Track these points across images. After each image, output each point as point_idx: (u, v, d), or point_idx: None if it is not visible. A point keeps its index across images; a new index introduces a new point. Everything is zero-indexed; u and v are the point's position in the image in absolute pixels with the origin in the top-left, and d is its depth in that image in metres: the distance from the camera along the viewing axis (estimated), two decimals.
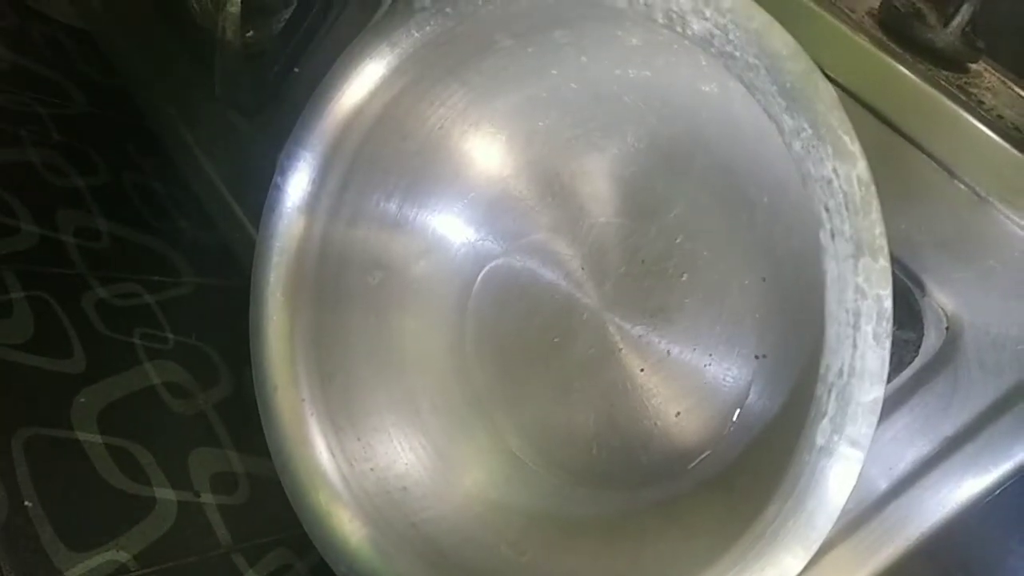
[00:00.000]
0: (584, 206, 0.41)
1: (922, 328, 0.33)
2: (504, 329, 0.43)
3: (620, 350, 0.39)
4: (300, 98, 0.41)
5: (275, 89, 0.56)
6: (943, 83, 0.34)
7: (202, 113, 0.63)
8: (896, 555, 0.33)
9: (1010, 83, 0.40)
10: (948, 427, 0.33)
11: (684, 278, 0.38)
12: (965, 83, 0.36)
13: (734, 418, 0.36)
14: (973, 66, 0.39)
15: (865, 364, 0.25)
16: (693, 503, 0.35)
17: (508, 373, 0.42)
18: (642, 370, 0.39)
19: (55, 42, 0.76)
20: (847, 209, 0.25)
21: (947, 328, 0.33)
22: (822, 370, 0.26)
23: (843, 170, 0.25)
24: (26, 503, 0.41)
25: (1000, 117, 0.34)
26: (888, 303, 0.24)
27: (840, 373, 0.25)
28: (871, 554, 0.34)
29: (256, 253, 0.41)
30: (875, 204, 0.25)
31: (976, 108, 0.33)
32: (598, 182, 0.40)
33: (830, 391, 0.25)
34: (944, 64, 0.36)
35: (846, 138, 0.25)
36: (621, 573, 0.35)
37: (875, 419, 0.25)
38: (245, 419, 0.48)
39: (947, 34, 0.36)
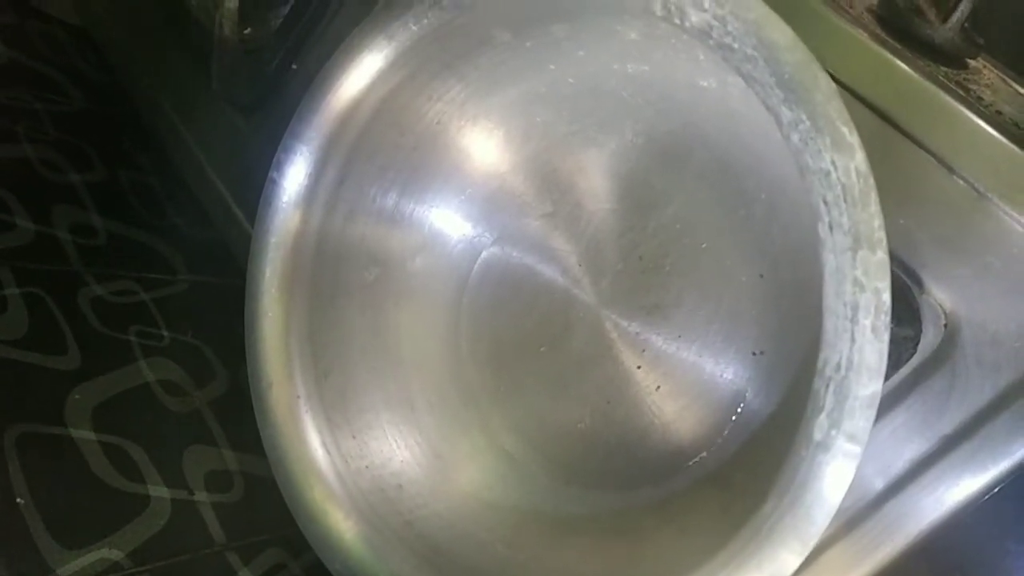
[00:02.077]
0: (582, 202, 0.41)
1: (920, 325, 0.33)
2: (500, 326, 0.42)
3: (616, 347, 0.39)
4: (298, 94, 0.41)
5: (273, 86, 0.56)
6: (942, 79, 0.34)
7: (199, 110, 0.63)
8: (893, 555, 0.33)
9: (1009, 80, 0.40)
10: (946, 425, 0.33)
11: (681, 275, 0.38)
12: (964, 79, 0.36)
13: (733, 417, 0.35)
14: (972, 62, 0.38)
15: (863, 358, 0.24)
16: (689, 501, 0.35)
17: (504, 370, 0.42)
18: (639, 367, 0.38)
19: (53, 39, 0.76)
20: (845, 201, 0.25)
21: (945, 325, 0.33)
22: (819, 364, 0.26)
23: (841, 162, 0.25)
24: (18, 500, 0.40)
25: (999, 113, 0.34)
26: (886, 296, 0.24)
27: (838, 367, 0.25)
28: (867, 554, 0.34)
29: (252, 248, 0.40)
30: (873, 196, 0.25)
31: (975, 104, 0.33)
32: (596, 178, 0.40)
33: (827, 386, 0.25)
34: (943, 60, 0.36)
35: (844, 129, 0.25)
36: (616, 571, 0.35)
37: (873, 414, 0.25)
38: (240, 417, 0.47)
39: (946, 30, 0.36)
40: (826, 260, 0.26)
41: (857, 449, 0.25)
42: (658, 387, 0.38)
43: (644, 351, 0.38)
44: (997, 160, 0.32)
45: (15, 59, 0.70)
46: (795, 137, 0.26)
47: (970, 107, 0.33)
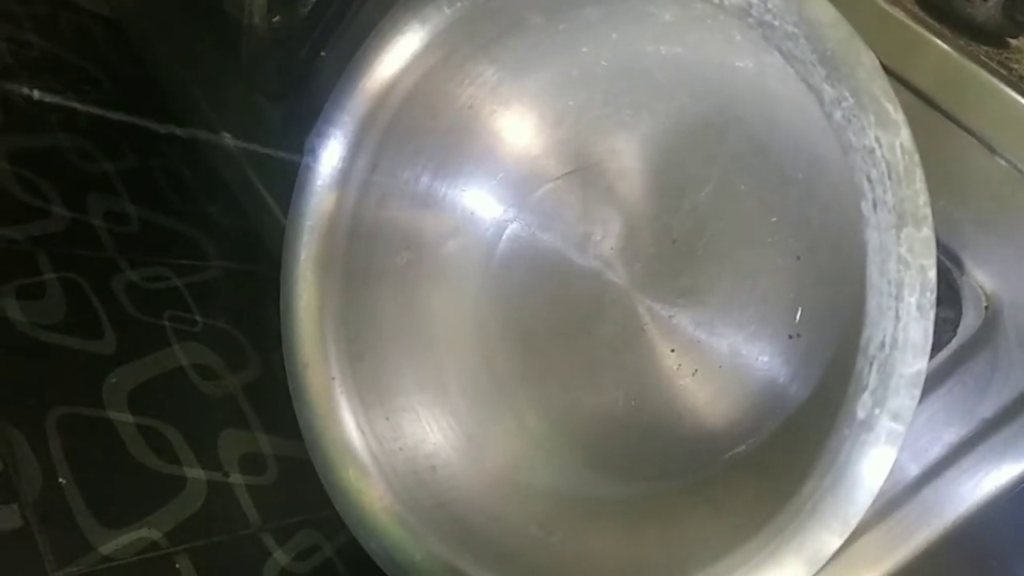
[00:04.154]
0: (614, 185, 0.40)
1: (960, 307, 0.33)
2: (532, 309, 0.42)
3: (649, 331, 0.39)
4: (327, 82, 0.41)
5: (302, 73, 0.56)
6: (983, 58, 0.33)
7: (229, 98, 0.64)
8: (929, 541, 0.33)
9: None
10: (986, 409, 0.32)
11: (715, 258, 0.37)
12: (1006, 58, 0.36)
13: (769, 400, 0.35)
14: (1013, 41, 0.38)
15: (908, 336, 0.24)
16: (723, 483, 0.35)
17: (536, 354, 0.42)
18: (672, 351, 0.38)
19: (84, 29, 0.77)
20: (890, 178, 0.25)
21: (986, 307, 0.32)
22: (863, 343, 0.25)
23: (886, 139, 0.25)
24: (60, 480, 0.41)
25: None
26: (932, 273, 0.24)
27: (882, 345, 0.25)
28: (903, 540, 0.33)
29: (286, 232, 0.41)
30: (918, 173, 0.24)
31: (1018, 83, 0.33)
32: (628, 160, 0.40)
33: (871, 364, 0.25)
34: (984, 39, 0.36)
35: (889, 106, 0.25)
36: (650, 554, 0.34)
37: (918, 392, 0.24)
38: (273, 402, 0.48)
39: (987, 8, 0.35)
40: (869, 238, 0.25)
41: (901, 428, 0.25)
42: (692, 371, 0.38)
43: (677, 335, 0.38)
44: None
45: (47, 50, 0.71)
46: (838, 115, 0.26)
47: (1013, 86, 0.32)
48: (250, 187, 0.60)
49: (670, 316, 0.39)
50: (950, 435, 0.33)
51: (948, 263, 0.33)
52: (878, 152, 0.25)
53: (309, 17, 0.56)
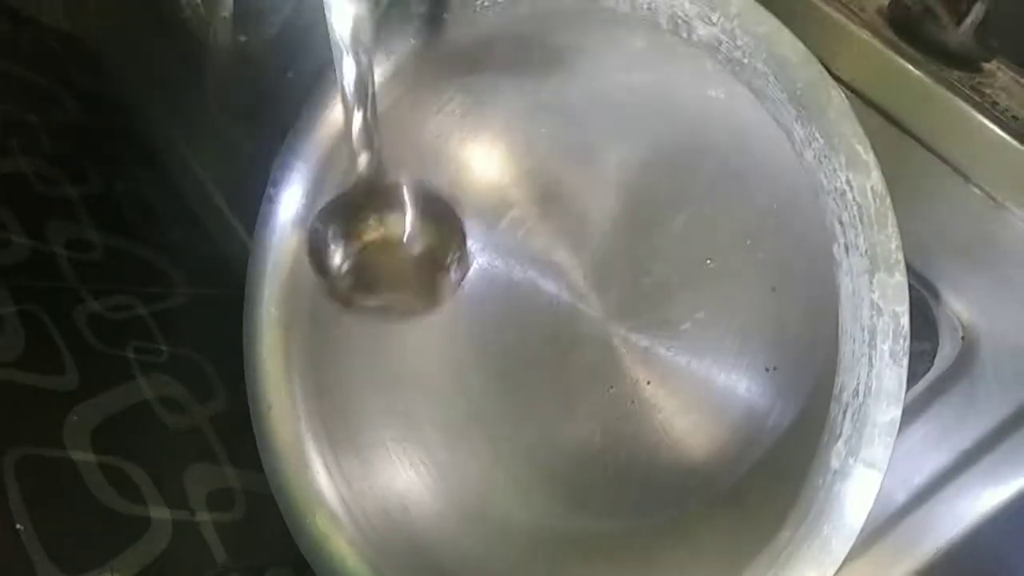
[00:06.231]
0: (586, 215, 0.40)
1: (937, 338, 0.32)
2: (505, 342, 0.42)
3: (625, 363, 0.38)
4: (294, 103, 0.40)
5: (269, 94, 0.55)
6: (956, 84, 0.33)
7: (195, 119, 0.62)
8: (912, 571, 0.33)
9: None
10: (965, 439, 0.32)
11: (690, 289, 0.37)
12: (978, 83, 0.35)
13: (746, 434, 0.35)
14: (986, 66, 0.37)
15: (882, 384, 0.24)
16: (701, 520, 0.35)
17: (510, 387, 0.41)
18: (648, 383, 0.38)
19: (46, 49, 0.75)
20: (861, 222, 0.24)
21: (963, 337, 0.32)
22: (836, 389, 0.25)
23: (857, 181, 0.24)
24: (18, 526, 0.40)
25: (1015, 118, 0.33)
26: (905, 320, 0.24)
27: (855, 393, 0.24)
28: (886, 570, 0.33)
29: (249, 268, 0.40)
30: (890, 217, 0.24)
31: (991, 109, 0.32)
32: (601, 190, 0.39)
33: (845, 412, 0.24)
34: (956, 64, 0.35)
35: (859, 147, 0.24)
36: None
37: (892, 440, 0.24)
38: (241, 433, 0.46)
39: (959, 33, 0.35)
40: (842, 282, 0.25)
41: (877, 476, 0.24)
42: (668, 403, 0.37)
43: (654, 366, 0.38)
44: (1015, 167, 0.31)
45: (7, 70, 0.69)
46: (809, 155, 0.25)
47: (985, 112, 0.32)
48: (216, 210, 0.59)
49: (646, 347, 0.38)
50: (930, 466, 0.32)
51: (924, 293, 0.32)
52: (849, 195, 0.24)
53: (275, 37, 0.55)
